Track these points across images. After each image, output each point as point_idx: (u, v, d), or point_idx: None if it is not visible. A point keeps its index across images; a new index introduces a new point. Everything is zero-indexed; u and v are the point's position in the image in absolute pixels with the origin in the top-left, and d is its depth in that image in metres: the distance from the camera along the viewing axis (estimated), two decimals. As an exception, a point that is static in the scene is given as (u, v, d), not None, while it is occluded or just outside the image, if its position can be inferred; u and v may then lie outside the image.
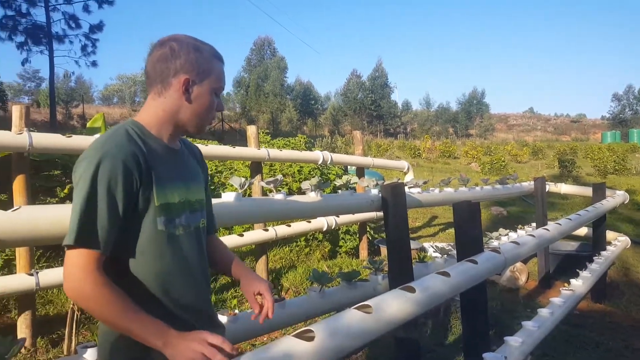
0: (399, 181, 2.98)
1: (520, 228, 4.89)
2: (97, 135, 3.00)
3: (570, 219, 3.53)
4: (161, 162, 1.20)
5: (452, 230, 8.11)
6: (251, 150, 3.88)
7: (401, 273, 2.62)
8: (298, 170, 5.70)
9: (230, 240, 3.92)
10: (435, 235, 7.84)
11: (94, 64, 20.95)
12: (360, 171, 5.29)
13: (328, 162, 4.44)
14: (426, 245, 6.37)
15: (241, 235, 4.00)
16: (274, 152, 4.06)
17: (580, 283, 3.48)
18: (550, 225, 3.19)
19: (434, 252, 4.66)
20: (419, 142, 30.05)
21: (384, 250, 5.93)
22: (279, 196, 2.11)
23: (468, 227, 2.40)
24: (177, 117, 1.24)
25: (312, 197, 2.29)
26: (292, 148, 5.97)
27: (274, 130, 40.62)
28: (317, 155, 4.34)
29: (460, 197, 3.73)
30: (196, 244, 1.27)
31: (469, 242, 2.38)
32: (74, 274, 1.04)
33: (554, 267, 5.41)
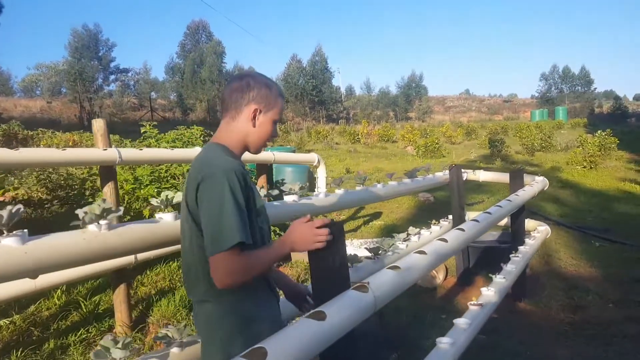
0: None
1: (435, 223, 4.39)
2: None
3: (477, 221, 3.00)
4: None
5: (377, 223, 7.63)
6: (93, 152, 3.00)
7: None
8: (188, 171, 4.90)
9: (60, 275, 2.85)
10: (358, 229, 7.31)
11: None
12: (262, 168, 4.53)
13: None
14: (356, 242, 5.82)
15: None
16: (131, 153, 3.23)
17: (492, 293, 2.98)
18: (451, 233, 2.62)
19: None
20: (360, 127, 29.77)
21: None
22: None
23: (327, 257, 1.75)
24: (246, 139, 1.57)
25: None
26: (186, 142, 5.14)
27: (211, 119, 38.89)
28: (189, 153, 3.56)
29: (355, 198, 3.12)
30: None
31: (326, 278, 1.73)
32: (232, 272, 1.37)
33: (474, 261, 5.00)
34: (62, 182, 5.25)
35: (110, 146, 3.19)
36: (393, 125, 37.63)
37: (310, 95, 48.90)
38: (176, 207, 1.89)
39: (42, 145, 7.95)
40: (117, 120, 32.66)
